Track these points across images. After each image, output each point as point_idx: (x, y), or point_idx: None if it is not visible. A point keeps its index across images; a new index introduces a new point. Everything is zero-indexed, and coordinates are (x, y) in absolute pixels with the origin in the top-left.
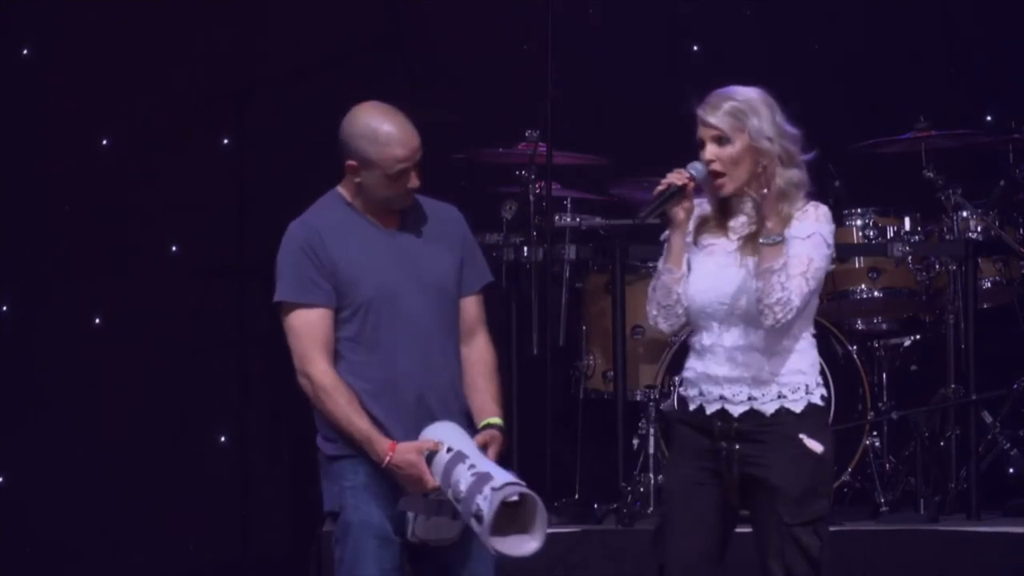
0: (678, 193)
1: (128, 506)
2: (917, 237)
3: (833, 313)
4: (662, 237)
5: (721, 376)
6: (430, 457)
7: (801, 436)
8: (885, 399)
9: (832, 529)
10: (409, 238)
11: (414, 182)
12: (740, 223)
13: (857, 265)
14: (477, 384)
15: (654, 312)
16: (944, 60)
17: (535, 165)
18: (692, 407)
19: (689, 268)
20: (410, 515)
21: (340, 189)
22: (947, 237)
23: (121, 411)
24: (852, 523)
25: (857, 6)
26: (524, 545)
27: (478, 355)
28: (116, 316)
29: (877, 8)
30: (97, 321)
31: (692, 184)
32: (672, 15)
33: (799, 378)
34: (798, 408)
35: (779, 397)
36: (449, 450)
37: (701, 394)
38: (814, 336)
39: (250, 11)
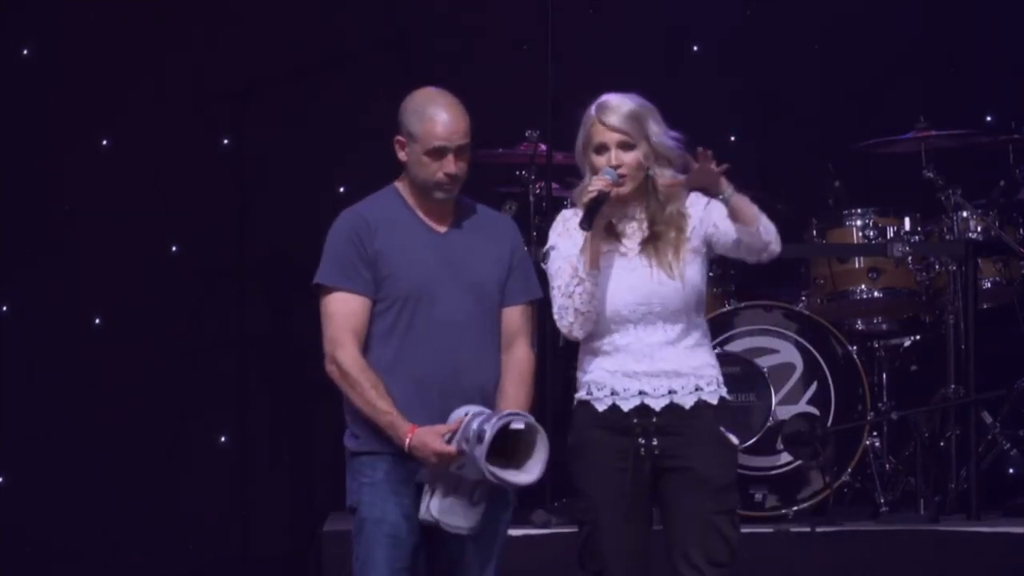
0: (605, 200)
1: (128, 506)
2: (917, 237)
3: (833, 313)
4: (546, 248)
5: (641, 371)
6: (451, 438)
7: (720, 428)
8: (885, 399)
9: (832, 529)
10: (457, 240)
11: (451, 167)
12: (630, 228)
13: (857, 265)
14: (506, 391)
15: (570, 319)
16: (944, 60)
17: (535, 165)
18: (602, 408)
19: None
20: (427, 491)
21: (397, 184)
22: (947, 237)
23: (121, 411)
24: (852, 523)
25: (857, 6)
26: (520, 476)
27: (513, 363)
28: (116, 316)
29: (877, 8)
30: (97, 321)
31: (614, 190)
32: (672, 15)
33: (711, 371)
34: (714, 400)
35: (696, 390)
36: (476, 415)
37: (614, 393)
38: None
39: (250, 11)
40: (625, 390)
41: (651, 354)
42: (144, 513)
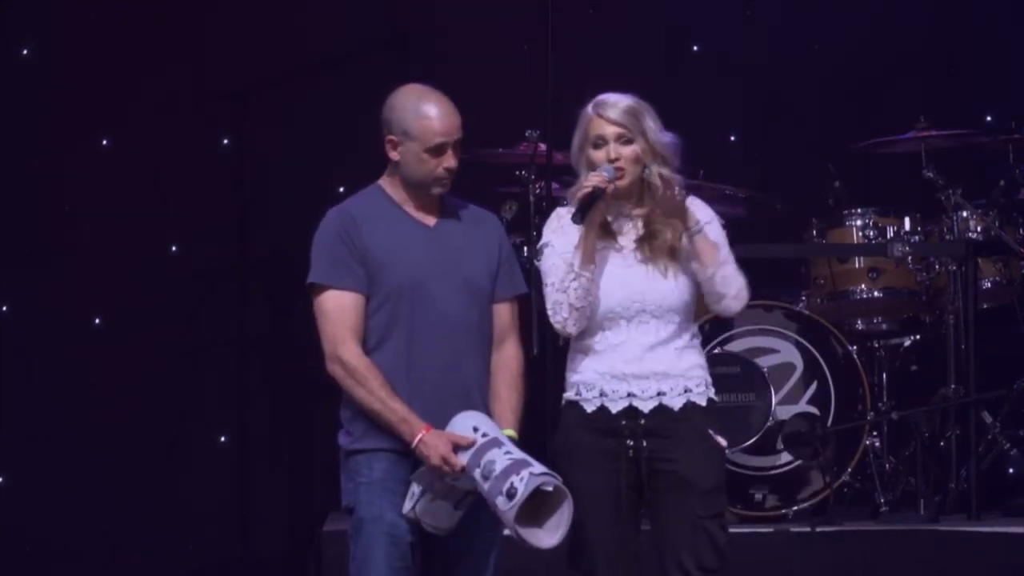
0: (601, 196)
1: (128, 506)
2: (917, 237)
3: (833, 313)
4: (540, 244)
5: (629, 373)
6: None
7: (709, 431)
8: (885, 399)
9: (832, 529)
10: (446, 233)
11: (450, 162)
12: (626, 226)
13: (857, 265)
14: (499, 392)
15: (564, 315)
16: (944, 60)
17: (535, 165)
18: (590, 409)
19: None
20: (415, 490)
21: (380, 182)
22: (947, 237)
23: (121, 411)
24: (852, 523)
25: (858, 6)
26: (543, 537)
27: (504, 363)
28: (116, 316)
29: (877, 8)
30: (97, 321)
31: (610, 187)
32: (672, 15)
33: (700, 372)
34: (703, 401)
35: (685, 391)
36: (484, 435)
37: (603, 394)
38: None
39: (250, 11)
40: (614, 391)
41: (641, 355)
42: (144, 513)
